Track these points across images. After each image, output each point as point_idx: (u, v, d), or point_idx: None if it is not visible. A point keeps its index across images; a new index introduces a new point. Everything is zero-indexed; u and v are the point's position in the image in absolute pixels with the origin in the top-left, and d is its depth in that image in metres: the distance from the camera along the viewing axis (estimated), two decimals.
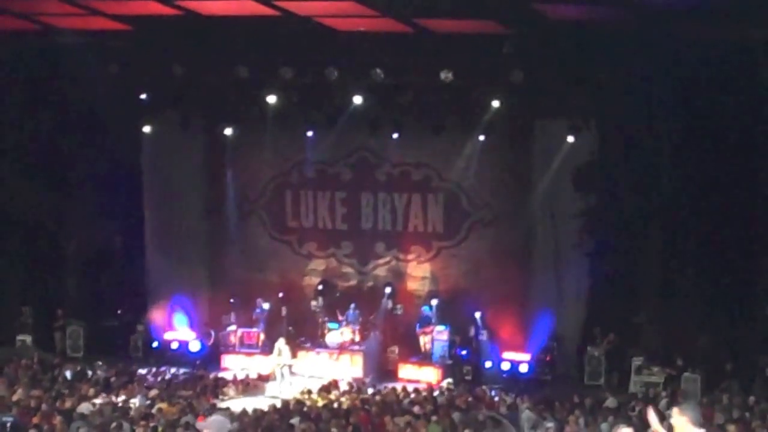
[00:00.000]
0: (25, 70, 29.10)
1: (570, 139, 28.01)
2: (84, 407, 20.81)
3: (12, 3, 24.69)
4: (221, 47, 26.82)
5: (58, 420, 19.02)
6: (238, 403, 24.19)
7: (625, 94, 25.58)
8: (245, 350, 30.15)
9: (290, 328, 29.71)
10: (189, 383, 26.42)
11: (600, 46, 24.31)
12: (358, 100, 27.74)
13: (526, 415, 20.96)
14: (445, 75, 26.13)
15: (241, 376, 28.00)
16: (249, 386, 27.38)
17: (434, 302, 29.74)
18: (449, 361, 28.90)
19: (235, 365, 29.57)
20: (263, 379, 28.07)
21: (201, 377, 27.49)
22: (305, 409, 22.69)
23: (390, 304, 30.21)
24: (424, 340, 29.50)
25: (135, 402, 22.47)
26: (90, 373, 26.60)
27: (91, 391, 23.30)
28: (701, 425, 10.62)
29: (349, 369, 28.77)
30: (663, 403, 23.47)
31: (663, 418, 11.16)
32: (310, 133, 30.64)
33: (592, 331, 28.62)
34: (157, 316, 31.48)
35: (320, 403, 24.06)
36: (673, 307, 27.53)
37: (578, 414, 21.34)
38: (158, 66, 27.68)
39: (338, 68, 26.56)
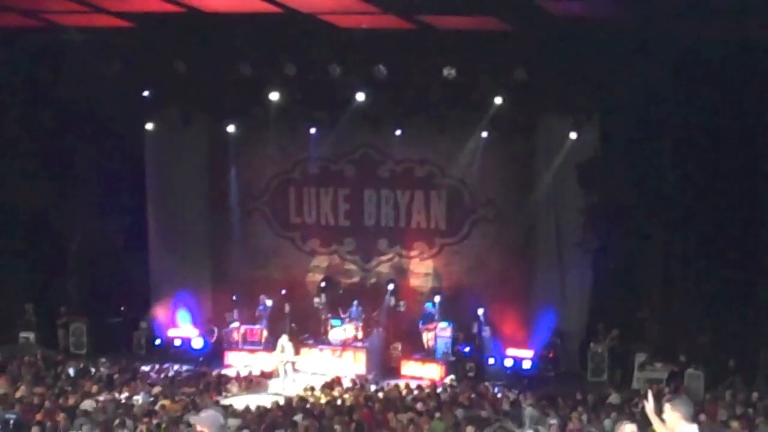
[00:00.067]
0: (28, 68, 29.08)
1: (573, 135, 28.00)
2: (87, 404, 20.83)
3: (16, 0, 24.69)
4: (224, 44, 26.80)
5: (61, 417, 19.04)
6: (241, 400, 24.21)
7: (628, 90, 25.54)
8: (248, 347, 30.19)
9: (293, 324, 29.73)
10: (192, 380, 26.45)
11: (603, 42, 24.27)
12: (361, 97, 27.72)
13: (529, 411, 20.96)
14: (448, 72, 26.11)
15: (244, 373, 28.02)
16: (252, 383, 27.40)
17: (437, 299, 29.76)
18: (452, 358, 28.90)
19: (238, 362, 29.60)
20: (266, 376, 28.09)
21: (204, 374, 27.53)
22: (308, 406, 22.71)
23: (393, 301, 30.23)
24: (427, 337, 29.51)
25: (138, 399, 22.47)
26: (93, 370, 26.64)
27: (95, 388, 23.31)
28: (693, 420, 10.61)
29: (352, 366, 28.80)
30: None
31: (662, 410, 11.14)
32: (313, 130, 30.67)
33: (595, 327, 28.64)
34: (160, 313, 31.54)
35: (323, 400, 24.08)
36: (676, 303, 27.53)
37: (581, 410, 21.35)
38: (161, 63, 27.68)
39: (341, 65, 26.55)
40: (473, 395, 24.43)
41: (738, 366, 25.77)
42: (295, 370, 27.73)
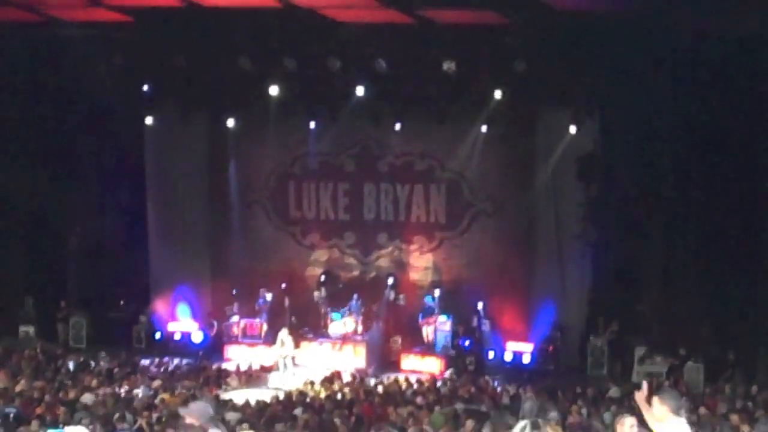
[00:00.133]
0: (27, 62, 29.06)
1: (573, 129, 27.99)
2: (87, 398, 20.84)
3: None
4: (223, 39, 26.78)
5: (61, 411, 19.05)
6: (240, 394, 24.22)
7: (628, 84, 25.52)
8: (248, 341, 30.20)
9: (293, 318, 29.73)
10: (192, 374, 26.47)
11: (603, 35, 24.27)
12: (360, 91, 27.70)
13: (528, 405, 20.93)
14: (448, 65, 26.10)
15: (244, 367, 28.03)
16: (252, 377, 27.42)
17: (437, 293, 29.73)
18: (452, 352, 28.92)
19: (238, 356, 29.60)
20: (266, 369, 28.10)
21: (204, 368, 27.54)
22: (308, 399, 22.72)
23: (392, 295, 30.22)
24: (426, 331, 29.51)
25: (138, 393, 22.48)
26: (93, 364, 26.64)
27: (94, 382, 23.32)
28: (681, 414, 10.65)
29: (351, 359, 28.81)
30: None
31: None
32: (312, 125, 30.65)
33: (595, 320, 28.65)
34: (160, 306, 31.55)
35: (323, 393, 24.09)
36: (675, 296, 27.55)
37: (581, 404, 21.34)
38: (160, 58, 27.67)
39: (341, 59, 26.53)
40: (473, 389, 24.43)
41: (737, 359, 25.81)
42: (294, 363, 27.74)
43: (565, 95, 27.44)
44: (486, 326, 29.22)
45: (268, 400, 22.78)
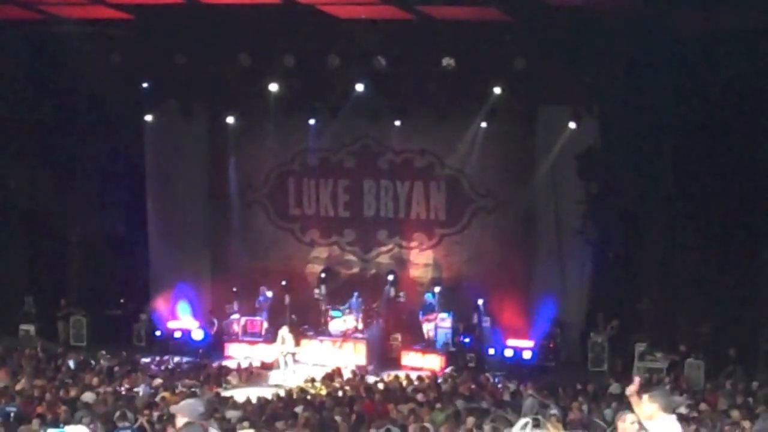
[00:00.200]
0: (26, 60, 29.00)
1: (572, 125, 27.98)
2: (88, 396, 20.84)
3: None
4: (223, 36, 26.77)
5: (62, 409, 19.05)
6: (241, 392, 24.23)
7: (628, 80, 25.51)
8: (248, 339, 30.21)
9: (293, 316, 29.73)
10: (192, 372, 26.50)
11: (602, 32, 24.24)
12: (360, 87, 27.66)
13: (529, 401, 20.96)
14: (447, 62, 26.07)
15: (244, 365, 28.04)
16: (252, 375, 27.45)
17: (437, 289, 29.75)
18: (452, 349, 28.91)
19: (238, 354, 29.61)
20: (267, 367, 28.13)
21: (204, 366, 27.57)
22: (309, 397, 22.75)
23: (393, 292, 30.23)
24: (427, 328, 29.51)
25: (139, 391, 22.49)
26: (93, 362, 26.64)
27: (95, 381, 23.33)
28: (672, 411, 10.67)
29: (352, 357, 28.80)
30: (666, 389, 23.51)
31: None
32: (312, 121, 30.61)
33: (595, 317, 28.66)
34: (160, 305, 31.52)
35: (324, 391, 24.11)
36: (676, 293, 27.56)
37: (582, 400, 21.38)
38: (160, 55, 27.62)
39: (340, 56, 26.49)
40: (474, 386, 24.46)
41: (738, 355, 25.80)
42: (295, 361, 27.76)
43: (564, 92, 27.44)
44: (486, 323, 29.22)
45: (268, 397, 22.80)
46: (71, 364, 26.09)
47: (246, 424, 18.90)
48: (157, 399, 21.00)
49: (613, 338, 28.22)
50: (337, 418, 19.43)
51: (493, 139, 29.64)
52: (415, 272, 31.09)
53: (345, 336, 29.20)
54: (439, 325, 29.22)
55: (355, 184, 31.46)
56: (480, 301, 29.28)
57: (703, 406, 20.49)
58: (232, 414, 19.80)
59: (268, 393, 23.93)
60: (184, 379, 25.09)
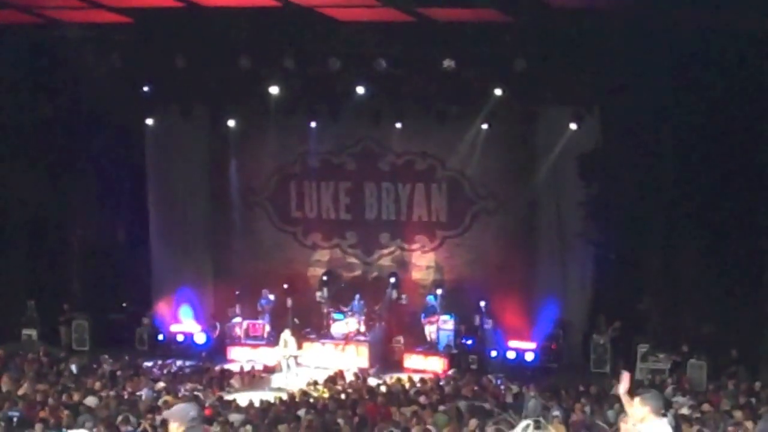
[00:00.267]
0: (27, 64, 29.01)
1: (573, 126, 27.97)
2: (90, 401, 20.84)
3: None
4: (223, 39, 26.74)
5: (64, 414, 19.05)
6: (244, 395, 24.21)
7: (629, 81, 25.48)
8: (251, 342, 30.19)
9: (295, 319, 29.71)
10: (195, 376, 26.47)
11: (603, 33, 24.24)
12: (360, 90, 27.67)
13: (532, 403, 20.96)
14: (448, 64, 26.05)
15: (247, 368, 28.01)
16: (255, 378, 27.41)
17: (439, 292, 29.78)
18: (454, 351, 28.90)
19: (240, 357, 29.58)
20: (269, 370, 28.11)
21: (207, 369, 27.55)
22: (311, 400, 22.74)
23: (395, 294, 30.23)
24: (429, 330, 29.52)
25: (141, 395, 22.49)
26: (96, 366, 26.62)
27: (98, 385, 23.32)
28: (663, 414, 10.67)
29: (354, 359, 28.79)
30: (669, 390, 23.51)
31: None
32: (313, 124, 30.60)
33: (597, 318, 28.63)
34: (162, 308, 31.51)
35: (326, 394, 24.09)
36: (678, 293, 27.54)
37: (584, 402, 21.37)
38: (160, 58, 27.58)
39: (341, 58, 26.49)
40: (476, 388, 24.44)
41: (740, 356, 25.79)
42: (297, 364, 27.77)
43: (565, 93, 27.41)
44: (488, 325, 29.21)
45: (271, 400, 22.79)
46: (74, 368, 26.07)
47: (249, 427, 18.92)
48: (160, 403, 21.00)
49: (616, 339, 28.20)
50: (340, 421, 19.44)
51: (494, 140, 29.64)
52: (416, 274, 31.09)
53: (347, 339, 29.20)
54: (441, 327, 29.22)
55: (356, 187, 31.46)
56: (482, 303, 29.26)
57: (705, 407, 20.48)
58: (234, 417, 19.81)
59: (270, 396, 23.93)
60: (187, 382, 25.09)
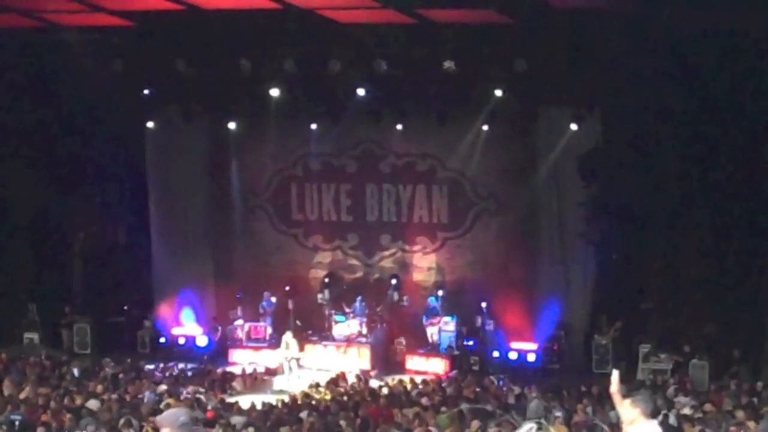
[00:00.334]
0: (27, 68, 29.02)
1: (574, 127, 27.97)
2: (92, 404, 20.82)
3: (15, 0, 24.67)
4: (224, 41, 26.75)
5: (67, 417, 19.04)
6: (246, 398, 24.21)
7: (629, 81, 25.47)
8: (252, 344, 30.21)
9: (297, 321, 29.72)
10: (197, 378, 26.47)
11: (603, 33, 24.23)
12: (361, 92, 27.69)
13: (534, 404, 20.96)
14: (448, 65, 26.07)
15: (248, 371, 28.02)
16: (257, 380, 27.43)
17: (440, 293, 29.79)
18: (456, 352, 28.89)
19: (242, 359, 29.59)
20: (271, 373, 28.12)
21: (209, 372, 27.54)
22: (313, 402, 22.72)
23: (396, 296, 30.22)
24: (430, 332, 29.52)
25: (143, 398, 22.47)
26: (98, 369, 26.61)
27: (100, 388, 23.30)
28: (653, 417, 10.66)
29: (356, 361, 28.79)
30: (671, 390, 23.51)
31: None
32: (314, 126, 30.59)
33: (599, 319, 28.61)
34: (164, 311, 31.53)
35: (328, 396, 24.07)
36: (679, 293, 27.52)
37: (586, 402, 21.35)
38: (161, 61, 27.60)
39: (341, 60, 26.50)
40: (478, 389, 24.44)
41: (742, 356, 25.78)
42: (299, 366, 27.73)
43: (565, 94, 27.42)
44: (490, 326, 29.20)
45: (273, 403, 22.79)
46: (75, 371, 26.07)
47: (251, 429, 18.91)
48: (162, 406, 20.95)
49: (617, 340, 28.17)
50: (342, 422, 19.43)
51: (494, 141, 29.64)
52: (418, 276, 31.09)
53: (349, 340, 29.22)
54: (442, 328, 29.22)
55: (357, 189, 31.47)
56: (483, 304, 29.25)
57: (707, 407, 20.47)
58: (236, 420, 19.80)
59: (272, 398, 23.91)
60: (189, 385, 25.08)
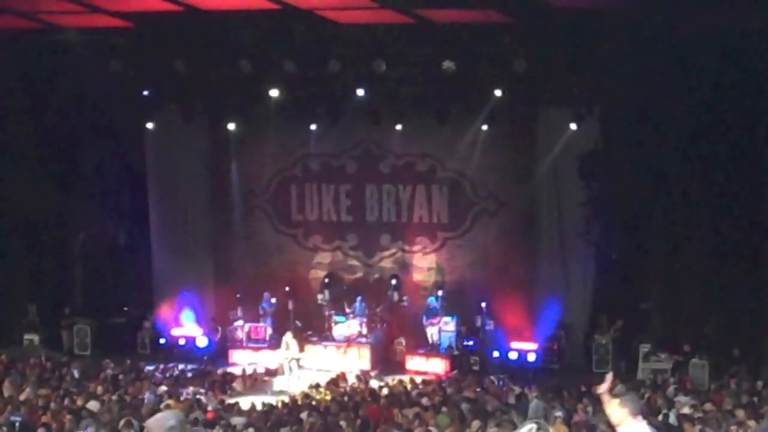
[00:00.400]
0: (27, 69, 29.05)
1: (573, 127, 27.97)
2: (92, 405, 20.82)
3: (13, 1, 24.67)
4: (223, 42, 26.77)
5: (67, 418, 19.03)
6: (246, 398, 24.21)
7: (629, 81, 25.48)
8: (252, 345, 30.20)
9: (297, 321, 29.69)
10: (197, 379, 26.47)
11: (603, 33, 24.24)
12: (360, 92, 27.68)
13: (535, 404, 20.95)
14: (447, 65, 26.06)
15: (249, 371, 28.02)
16: (257, 381, 27.43)
17: (440, 293, 29.76)
18: (456, 352, 28.89)
19: (242, 360, 29.59)
20: (271, 373, 28.11)
21: (209, 373, 27.54)
22: (313, 403, 22.72)
23: (396, 296, 30.22)
24: (430, 332, 29.51)
25: (144, 399, 22.47)
26: (98, 370, 26.60)
27: (100, 389, 23.30)
28: (642, 416, 10.66)
29: (356, 362, 28.79)
30: (671, 389, 23.50)
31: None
32: (313, 127, 30.58)
33: (599, 319, 28.62)
34: (163, 312, 31.51)
35: (328, 396, 24.07)
36: (679, 293, 27.54)
37: (586, 402, 21.32)
38: (160, 62, 27.59)
39: (340, 61, 26.50)
40: (478, 389, 24.42)
41: (743, 355, 25.77)
42: (299, 366, 27.71)
43: (565, 93, 27.41)
44: (490, 326, 29.20)
45: (273, 403, 22.78)
46: (75, 372, 26.06)
47: (251, 430, 18.90)
48: (162, 406, 20.96)
49: (617, 339, 28.19)
50: (342, 423, 19.42)
51: (494, 141, 29.65)
52: (418, 276, 31.09)
53: (349, 341, 29.21)
54: (442, 328, 29.21)
55: (357, 189, 31.46)
56: (483, 304, 29.23)
57: (708, 406, 20.44)
58: (237, 421, 19.80)
59: (272, 399, 23.93)
60: (189, 386, 25.10)
